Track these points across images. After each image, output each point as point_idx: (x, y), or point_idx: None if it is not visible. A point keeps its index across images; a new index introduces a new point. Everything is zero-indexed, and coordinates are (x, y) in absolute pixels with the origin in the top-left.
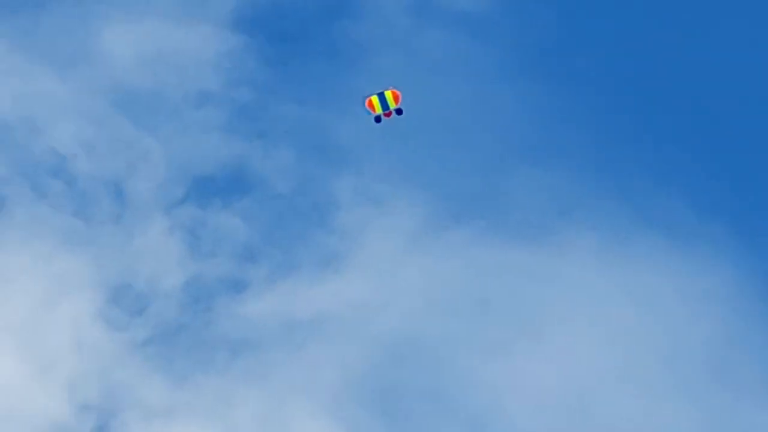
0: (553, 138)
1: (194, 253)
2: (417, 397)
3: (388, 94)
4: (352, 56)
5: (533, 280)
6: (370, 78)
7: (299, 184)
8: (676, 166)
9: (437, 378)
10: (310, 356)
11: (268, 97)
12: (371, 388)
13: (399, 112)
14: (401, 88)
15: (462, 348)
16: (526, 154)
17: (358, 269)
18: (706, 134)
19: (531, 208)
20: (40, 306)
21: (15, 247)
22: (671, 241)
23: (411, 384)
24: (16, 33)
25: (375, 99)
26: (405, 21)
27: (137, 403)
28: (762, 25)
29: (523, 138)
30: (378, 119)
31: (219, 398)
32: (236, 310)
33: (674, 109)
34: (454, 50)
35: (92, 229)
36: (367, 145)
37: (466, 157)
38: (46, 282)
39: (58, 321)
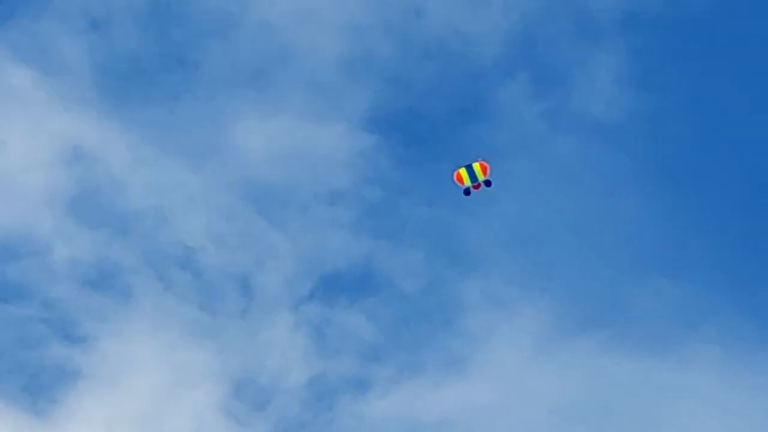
0: (680, 250)
1: (319, 351)
2: None
3: (477, 166)
4: (484, 159)
5: (657, 391)
6: (501, 181)
7: (426, 285)
8: None
9: None
10: None
11: (399, 198)
12: None
13: (488, 183)
14: (532, 193)
15: None
16: (653, 265)
17: (483, 373)
18: None
19: (656, 319)
20: (163, 396)
21: (140, 336)
22: None
23: None
24: (151, 123)
25: (463, 171)
26: (538, 127)
27: None
28: None
29: (650, 248)
30: (467, 192)
31: None
32: (359, 410)
33: None
34: (586, 158)
35: (218, 322)
36: (496, 248)
37: (593, 265)
38: (169, 373)
39: (180, 412)
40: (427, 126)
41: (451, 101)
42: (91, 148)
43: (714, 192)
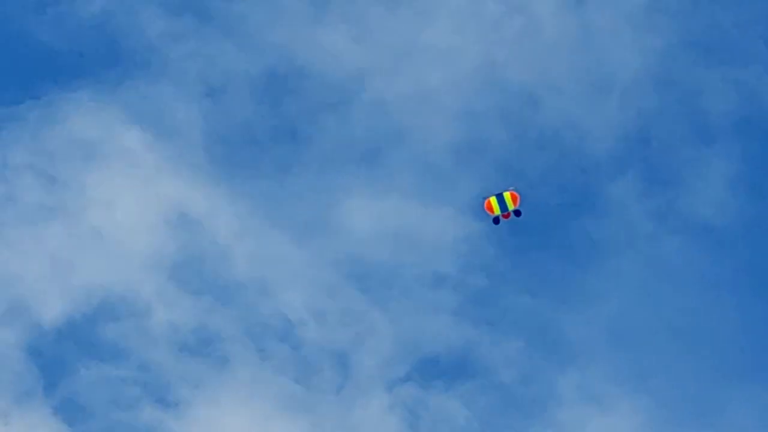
0: None
1: None
2: None
3: (507, 196)
4: (589, 254)
5: None
6: (604, 278)
7: (523, 375)
8: None
9: None
10: None
11: (502, 286)
12: None
13: (517, 213)
14: (635, 291)
15: None
16: (752, 372)
17: None
18: None
19: (752, 426)
20: None
21: (234, 405)
22: None
23: None
24: (259, 194)
25: (494, 200)
26: (646, 225)
27: None
28: None
29: (750, 355)
30: (497, 220)
31: None
32: None
33: None
34: (692, 260)
35: (312, 397)
36: (595, 343)
37: (692, 367)
38: None
39: None
40: (535, 216)
41: (561, 193)
42: (198, 214)
43: None
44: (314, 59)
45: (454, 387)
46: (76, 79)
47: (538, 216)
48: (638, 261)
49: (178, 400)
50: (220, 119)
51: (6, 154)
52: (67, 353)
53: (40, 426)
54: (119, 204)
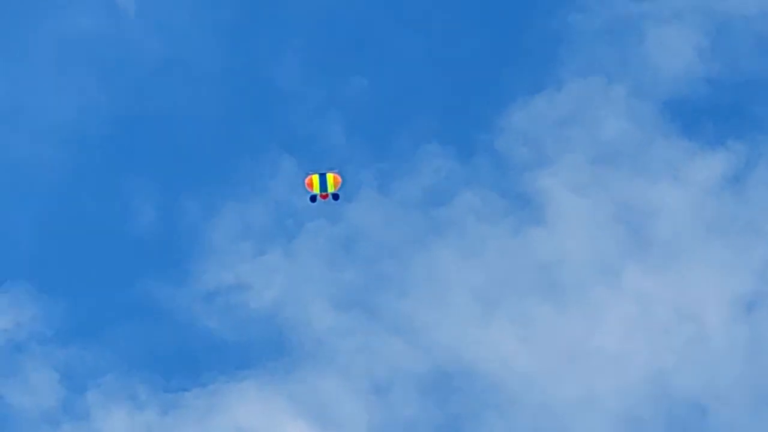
0: None
1: None
2: None
3: (330, 177)
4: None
5: None
6: None
7: None
8: None
9: None
10: None
11: None
12: None
13: (335, 197)
14: None
15: None
16: None
17: None
18: None
19: None
20: None
21: None
22: None
23: None
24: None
25: (315, 178)
26: None
27: None
28: None
29: None
30: (313, 198)
31: None
32: None
33: None
34: None
35: None
36: None
37: None
38: None
39: None
40: None
41: None
42: None
43: None
44: (481, 359)
45: None
46: (242, 369)
47: None
48: None
49: None
50: (386, 415)
51: None
52: None
53: None
54: None
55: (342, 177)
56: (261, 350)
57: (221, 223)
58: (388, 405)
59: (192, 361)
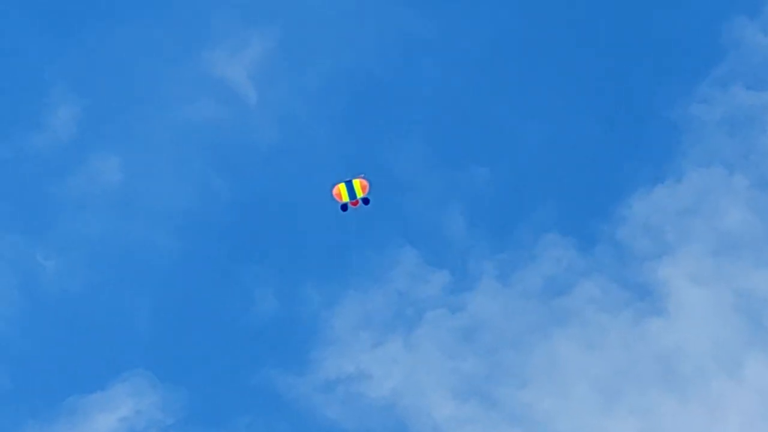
0: None
1: None
2: None
3: (356, 183)
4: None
5: None
6: None
7: None
8: None
9: None
10: None
11: None
12: None
13: (366, 201)
14: None
15: None
16: None
17: None
18: None
19: None
20: None
21: None
22: None
23: None
24: None
25: (342, 187)
26: None
27: None
28: None
29: None
30: (344, 207)
31: None
32: None
33: None
34: None
35: None
36: None
37: None
38: None
39: None
40: None
41: None
42: None
43: None
44: None
45: None
46: None
47: None
48: None
49: None
50: None
51: None
52: None
53: None
54: None
55: (368, 180)
56: None
57: (342, 312)
58: None
59: None
